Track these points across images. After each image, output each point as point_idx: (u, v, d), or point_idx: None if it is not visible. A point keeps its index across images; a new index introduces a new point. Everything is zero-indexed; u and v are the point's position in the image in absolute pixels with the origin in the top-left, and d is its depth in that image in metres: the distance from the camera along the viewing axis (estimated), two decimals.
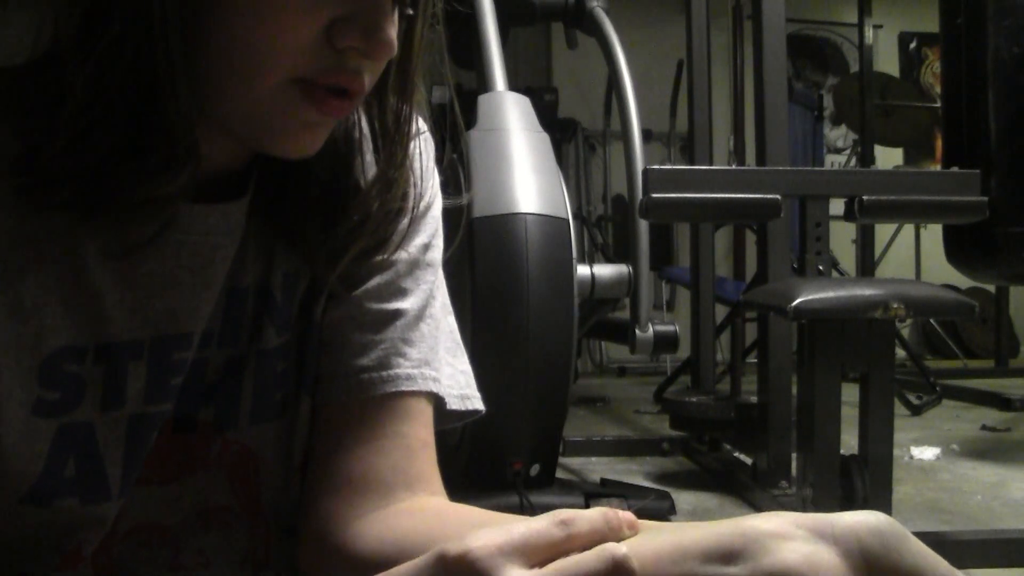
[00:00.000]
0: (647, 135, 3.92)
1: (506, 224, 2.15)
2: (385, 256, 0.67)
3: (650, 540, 0.45)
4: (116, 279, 0.57)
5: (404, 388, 0.66)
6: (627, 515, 0.46)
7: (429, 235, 0.70)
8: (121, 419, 0.59)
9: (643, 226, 2.68)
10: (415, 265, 0.69)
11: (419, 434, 0.67)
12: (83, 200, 0.54)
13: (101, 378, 0.58)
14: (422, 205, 0.68)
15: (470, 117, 2.34)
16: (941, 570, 0.43)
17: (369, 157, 0.66)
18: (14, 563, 0.58)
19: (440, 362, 0.69)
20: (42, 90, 0.54)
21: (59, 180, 0.53)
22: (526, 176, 2.22)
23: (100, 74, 0.52)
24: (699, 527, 0.45)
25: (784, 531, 0.43)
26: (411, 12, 0.59)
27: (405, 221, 0.67)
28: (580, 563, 0.42)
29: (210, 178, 0.60)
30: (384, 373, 0.66)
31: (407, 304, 0.68)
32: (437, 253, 0.71)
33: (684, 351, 3.39)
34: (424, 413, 0.67)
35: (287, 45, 0.53)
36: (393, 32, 0.55)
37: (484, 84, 2.52)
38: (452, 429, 0.73)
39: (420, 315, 0.68)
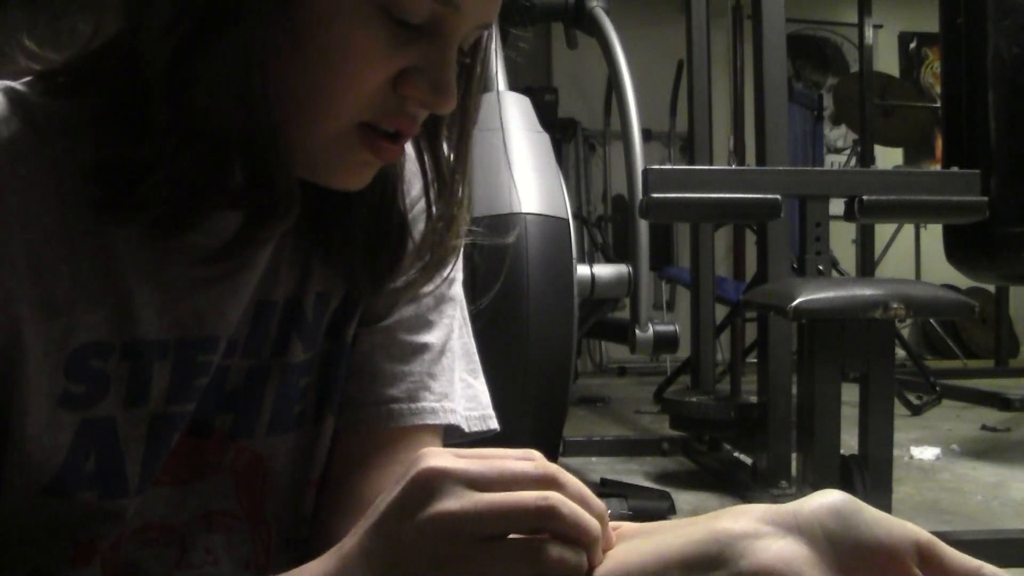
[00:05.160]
0: (647, 135, 3.92)
1: (506, 224, 2.15)
2: (428, 289, 0.69)
3: (634, 550, 0.48)
4: (146, 280, 0.58)
5: (429, 421, 0.69)
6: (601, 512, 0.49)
7: (454, 269, 0.73)
8: (143, 417, 0.60)
9: (643, 226, 2.68)
10: (441, 299, 0.72)
11: None
12: (156, 230, 0.56)
13: (126, 375, 0.59)
14: None
15: None
16: (895, 532, 0.46)
17: (417, 189, 0.68)
18: (29, 553, 0.59)
19: (456, 393, 0.72)
20: (126, 109, 0.55)
21: (138, 206, 0.55)
22: (526, 176, 2.22)
23: (183, 115, 0.53)
24: (674, 532, 0.48)
25: (754, 530, 0.46)
26: (468, 61, 0.62)
27: (455, 256, 0.69)
28: (516, 496, 0.46)
29: None
30: (413, 406, 0.68)
31: (433, 338, 0.70)
32: (459, 287, 0.74)
33: (684, 351, 3.39)
34: (437, 443, 0.70)
35: (358, 92, 0.55)
36: (455, 85, 0.57)
37: (484, 84, 2.51)
38: None
39: (443, 349, 0.71)
